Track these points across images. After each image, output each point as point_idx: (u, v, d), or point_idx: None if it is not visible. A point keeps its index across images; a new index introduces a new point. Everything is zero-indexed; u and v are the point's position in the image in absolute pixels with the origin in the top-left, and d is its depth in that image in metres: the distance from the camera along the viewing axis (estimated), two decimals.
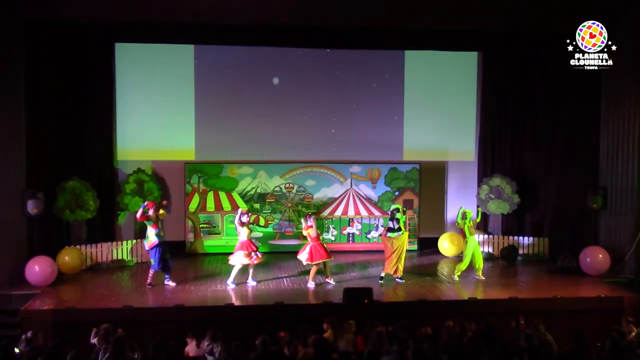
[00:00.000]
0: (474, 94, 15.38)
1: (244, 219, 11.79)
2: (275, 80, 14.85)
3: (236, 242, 12.01)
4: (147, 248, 11.87)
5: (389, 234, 12.06)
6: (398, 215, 12.08)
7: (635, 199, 12.58)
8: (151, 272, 11.76)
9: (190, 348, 8.35)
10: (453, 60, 15.24)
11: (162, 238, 11.71)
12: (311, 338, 7.55)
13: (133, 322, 9.63)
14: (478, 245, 12.34)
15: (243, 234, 11.74)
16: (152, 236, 11.64)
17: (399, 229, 12.03)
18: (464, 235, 12.29)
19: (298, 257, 12.11)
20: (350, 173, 15.06)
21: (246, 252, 11.67)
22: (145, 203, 11.86)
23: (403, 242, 12.04)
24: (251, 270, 11.89)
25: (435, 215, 15.49)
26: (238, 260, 11.71)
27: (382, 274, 12.23)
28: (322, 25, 13.78)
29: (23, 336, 7.96)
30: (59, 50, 13.32)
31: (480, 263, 12.24)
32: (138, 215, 11.71)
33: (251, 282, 11.85)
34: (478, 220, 12.84)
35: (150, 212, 11.65)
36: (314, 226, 11.86)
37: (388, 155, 15.26)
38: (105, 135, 14.18)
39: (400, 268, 12.10)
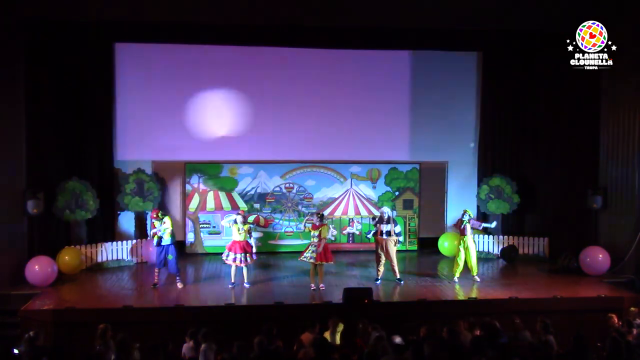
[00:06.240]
0: (474, 93, 15.35)
1: (239, 220, 11.70)
2: None
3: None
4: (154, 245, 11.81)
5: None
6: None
7: (635, 198, 12.59)
8: (156, 270, 11.74)
9: (186, 348, 8.34)
10: (453, 60, 15.19)
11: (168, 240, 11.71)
12: (311, 338, 7.55)
13: (133, 322, 9.63)
14: (471, 246, 12.17)
15: (234, 234, 11.69)
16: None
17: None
18: (462, 233, 12.22)
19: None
20: (350, 173, 15.06)
21: (232, 253, 11.58)
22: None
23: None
24: (245, 272, 11.78)
25: (435, 215, 15.48)
26: (225, 258, 11.72)
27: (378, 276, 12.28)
28: (322, 26, 13.78)
29: (25, 335, 7.96)
30: (59, 51, 13.33)
31: (471, 263, 12.12)
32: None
33: (245, 285, 11.73)
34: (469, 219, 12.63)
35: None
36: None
37: (388, 155, 15.26)
38: (105, 135, 14.17)
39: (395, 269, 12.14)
